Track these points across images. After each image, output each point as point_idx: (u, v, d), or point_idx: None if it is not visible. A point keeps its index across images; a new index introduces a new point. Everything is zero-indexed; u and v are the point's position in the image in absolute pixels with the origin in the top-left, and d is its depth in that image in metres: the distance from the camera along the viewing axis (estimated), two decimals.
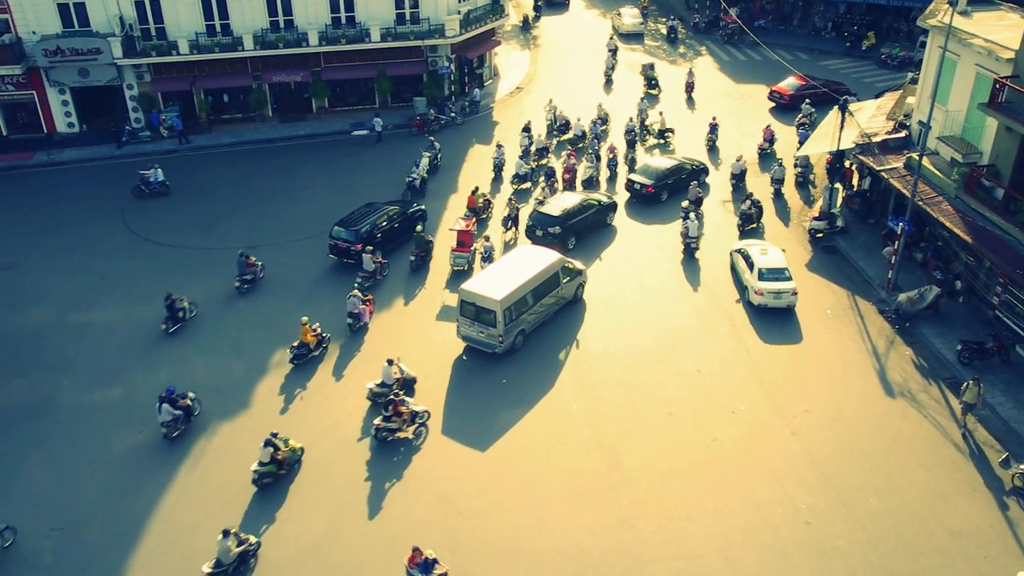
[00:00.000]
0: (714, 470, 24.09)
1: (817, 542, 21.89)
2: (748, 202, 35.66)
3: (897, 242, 30.66)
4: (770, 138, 41.61)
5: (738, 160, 38.86)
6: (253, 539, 21.75)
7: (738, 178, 38.58)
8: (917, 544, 21.77)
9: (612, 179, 39.73)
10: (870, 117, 37.35)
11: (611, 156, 39.83)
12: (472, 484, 23.81)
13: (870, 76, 49.80)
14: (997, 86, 27.93)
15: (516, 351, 28.66)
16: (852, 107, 36.58)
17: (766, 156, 41.15)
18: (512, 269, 29.09)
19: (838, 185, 36.08)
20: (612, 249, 34.81)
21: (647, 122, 43.72)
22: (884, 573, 21.07)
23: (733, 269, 32.96)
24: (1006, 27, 30.20)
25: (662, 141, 42.81)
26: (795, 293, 30.32)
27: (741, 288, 31.82)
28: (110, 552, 21.98)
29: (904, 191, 31.04)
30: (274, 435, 24.07)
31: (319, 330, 28.79)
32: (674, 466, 24.26)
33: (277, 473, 23.94)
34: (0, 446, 25.33)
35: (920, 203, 30.21)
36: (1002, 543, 21.79)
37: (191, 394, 26.26)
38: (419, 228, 33.74)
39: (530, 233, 34.12)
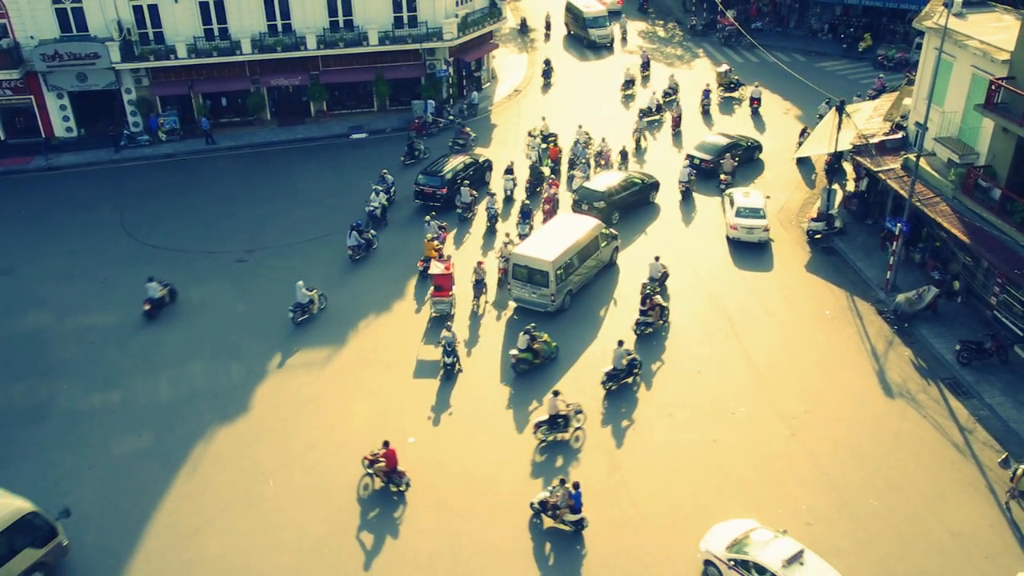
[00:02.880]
0: (714, 471, 24.10)
1: (818, 543, 21.86)
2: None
3: (895, 243, 30.71)
4: (880, 88, 44.78)
5: (827, 102, 42.33)
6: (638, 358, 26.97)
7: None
8: (918, 544, 21.79)
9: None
10: (867, 118, 37.43)
11: (602, 164, 39.50)
12: (472, 487, 23.79)
13: (867, 78, 49.86)
14: (993, 87, 28.00)
15: (564, 310, 30.42)
16: (849, 108, 36.67)
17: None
18: (558, 234, 31.07)
19: (836, 186, 36.20)
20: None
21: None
22: (885, 574, 21.07)
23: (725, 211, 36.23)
24: (1001, 29, 30.29)
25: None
26: (767, 230, 34.09)
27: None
28: (109, 557, 21.96)
29: (902, 192, 31.10)
30: (534, 326, 27.63)
31: (438, 246, 32.72)
32: (674, 468, 24.27)
33: (533, 362, 27.32)
34: None
35: (918, 204, 30.27)
36: (1003, 543, 21.81)
37: (372, 231, 34.49)
38: (463, 198, 36.85)
39: (576, 208, 35.67)
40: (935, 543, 21.82)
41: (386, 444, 23.29)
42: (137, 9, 42.67)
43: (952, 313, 30.10)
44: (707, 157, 39.46)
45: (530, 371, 27.61)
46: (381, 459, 23.27)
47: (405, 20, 45.50)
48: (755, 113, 46.47)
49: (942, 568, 21.17)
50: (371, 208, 36.27)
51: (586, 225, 31.75)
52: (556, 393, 24.89)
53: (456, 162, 38.56)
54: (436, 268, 30.31)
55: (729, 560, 20.35)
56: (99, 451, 25.32)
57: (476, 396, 27.18)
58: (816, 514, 22.70)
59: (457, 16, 46.04)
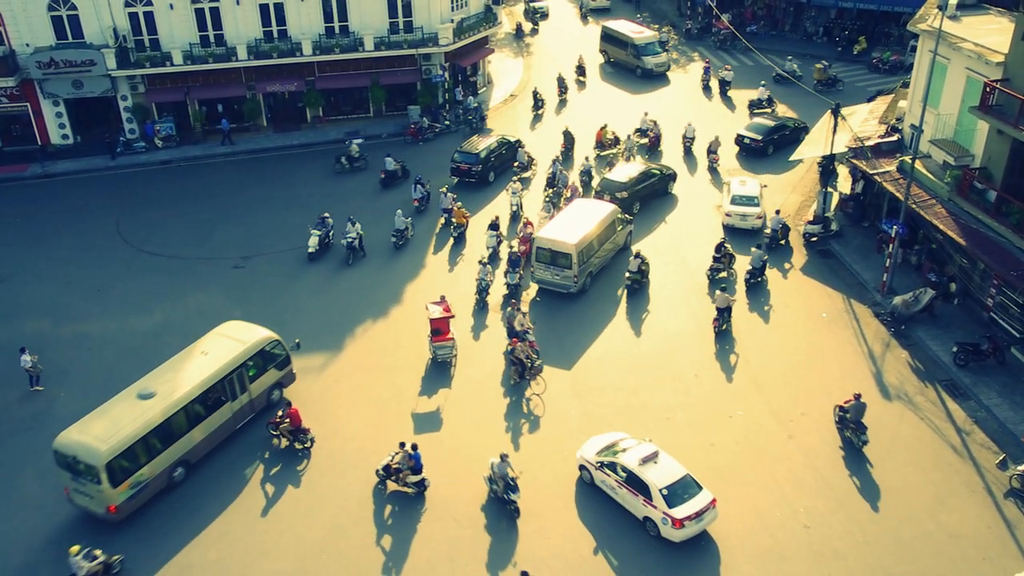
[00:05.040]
0: (712, 475, 24.05)
1: (816, 546, 21.90)
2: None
3: (892, 245, 30.76)
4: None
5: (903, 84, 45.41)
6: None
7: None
8: (915, 546, 21.80)
9: None
10: (862, 121, 37.51)
11: (569, 196, 36.83)
12: (470, 492, 23.78)
13: (862, 80, 49.98)
14: (987, 89, 28.07)
15: (586, 291, 31.81)
16: (844, 111, 36.77)
17: None
18: (578, 218, 32.34)
19: (831, 189, 36.27)
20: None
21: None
22: None
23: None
24: (995, 31, 30.34)
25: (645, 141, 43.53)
26: (759, 217, 35.31)
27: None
28: None
29: (897, 194, 31.16)
30: (639, 251, 32.20)
31: (467, 213, 35.78)
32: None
33: (641, 281, 31.93)
34: None
35: (913, 206, 30.31)
36: (1001, 544, 21.81)
37: (428, 182, 38.30)
38: (519, 158, 40.82)
39: (598, 198, 36.16)
40: (933, 545, 21.82)
41: (288, 404, 25.40)
42: (133, 16, 42.71)
43: (949, 315, 30.13)
44: (757, 137, 41.70)
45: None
46: (285, 419, 24.97)
47: (401, 25, 45.55)
48: (724, 95, 48.91)
49: (940, 570, 21.16)
50: (349, 240, 34.06)
51: (604, 210, 33.11)
52: (724, 288, 29.71)
53: (489, 141, 40.96)
54: (434, 312, 28.37)
55: (597, 463, 23.28)
56: None
57: (474, 399, 27.21)
58: (814, 517, 22.70)
59: (452, 21, 46.09)
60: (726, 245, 32.49)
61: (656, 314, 31.01)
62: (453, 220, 35.86)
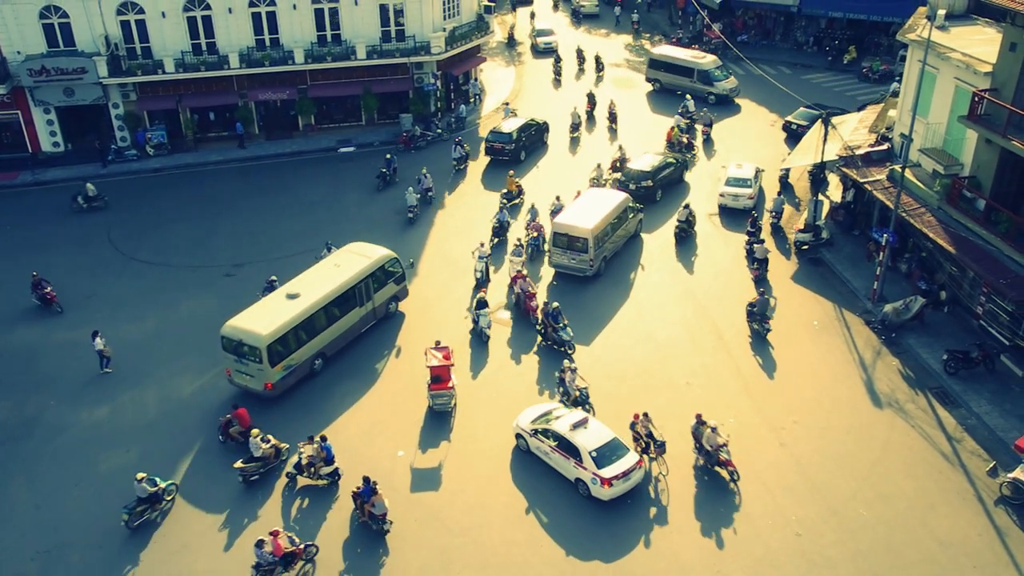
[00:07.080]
0: (705, 482, 24.09)
1: (807, 553, 21.92)
2: None
3: (882, 253, 30.90)
4: None
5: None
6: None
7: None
8: (906, 554, 21.83)
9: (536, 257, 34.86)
10: (853, 130, 37.72)
11: (535, 235, 34.93)
12: (463, 500, 23.76)
13: (852, 90, 50.31)
14: (976, 99, 28.27)
15: (600, 275, 33.37)
16: (835, 120, 36.99)
17: None
18: (592, 206, 34.06)
19: (822, 197, 36.45)
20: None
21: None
22: None
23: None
24: (983, 41, 30.59)
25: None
26: (751, 198, 37.66)
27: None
28: (96, 574, 21.77)
29: (888, 203, 31.32)
30: (689, 203, 36.19)
31: (519, 182, 39.19)
32: (664, 478, 24.27)
33: (689, 231, 35.59)
34: None
35: (903, 215, 30.48)
36: (991, 552, 21.87)
37: (467, 145, 43.15)
38: (573, 119, 45.83)
39: (623, 188, 38.28)
40: (924, 553, 21.87)
41: (236, 406, 25.87)
42: (124, 24, 42.67)
43: (939, 323, 30.26)
44: (804, 123, 43.86)
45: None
46: (233, 423, 25.40)
47: (393, 34, 45.65)
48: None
49: None
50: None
51: (616, 198, 34.83)
52: (762, 241, 33.62)
53: (519, 123, 44.20)
54: (434, 359, 26.78)
55: (531, 430, 24.82)
56: (86, 467, 25.16)
57: (469, 405, 27.18)
58: (805, 524, 22.72)
59: (445, 30, 46.21)
60: (759, 222, 34.96)
61: (648, 321, 31.05)
62: (506, 189, 39.20)
